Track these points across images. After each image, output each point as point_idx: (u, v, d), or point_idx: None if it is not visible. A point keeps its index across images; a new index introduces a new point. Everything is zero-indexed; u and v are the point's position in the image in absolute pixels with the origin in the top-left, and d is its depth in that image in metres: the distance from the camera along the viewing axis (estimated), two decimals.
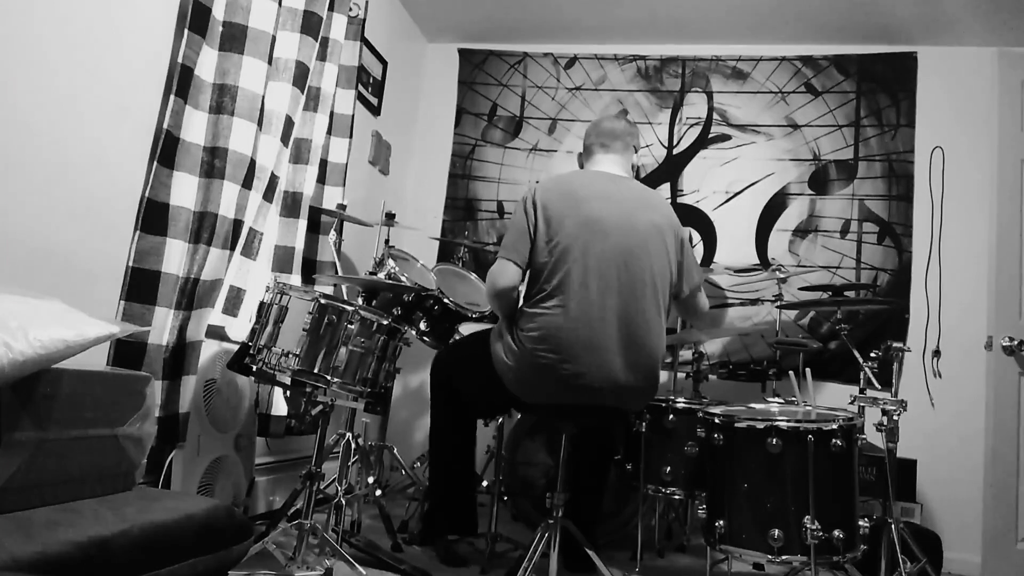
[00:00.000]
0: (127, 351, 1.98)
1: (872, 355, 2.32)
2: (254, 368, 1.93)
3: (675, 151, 3.74)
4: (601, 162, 2.30)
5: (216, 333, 2.30)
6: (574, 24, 3.76)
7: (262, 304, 1.97)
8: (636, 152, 2.36)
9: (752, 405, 2.37)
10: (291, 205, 2.69)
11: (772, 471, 2.01)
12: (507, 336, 2.10)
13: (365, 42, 3.26)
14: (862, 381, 2.32)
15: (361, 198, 3.40)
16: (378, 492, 2.61)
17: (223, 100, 2.23)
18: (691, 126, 3.74)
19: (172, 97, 2.07)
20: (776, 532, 1.95)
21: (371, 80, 3.52)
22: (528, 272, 2.11)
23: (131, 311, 1.98)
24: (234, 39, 2.25)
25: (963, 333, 3.23)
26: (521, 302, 2.15)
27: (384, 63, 3.62)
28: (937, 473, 3.12)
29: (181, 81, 2.09)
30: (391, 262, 2.61)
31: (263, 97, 2.33)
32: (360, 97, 3.33)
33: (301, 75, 2.51)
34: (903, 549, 2.11)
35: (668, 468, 2.45)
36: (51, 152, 1.80)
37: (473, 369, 2.23)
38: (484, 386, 2.18)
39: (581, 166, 2.40)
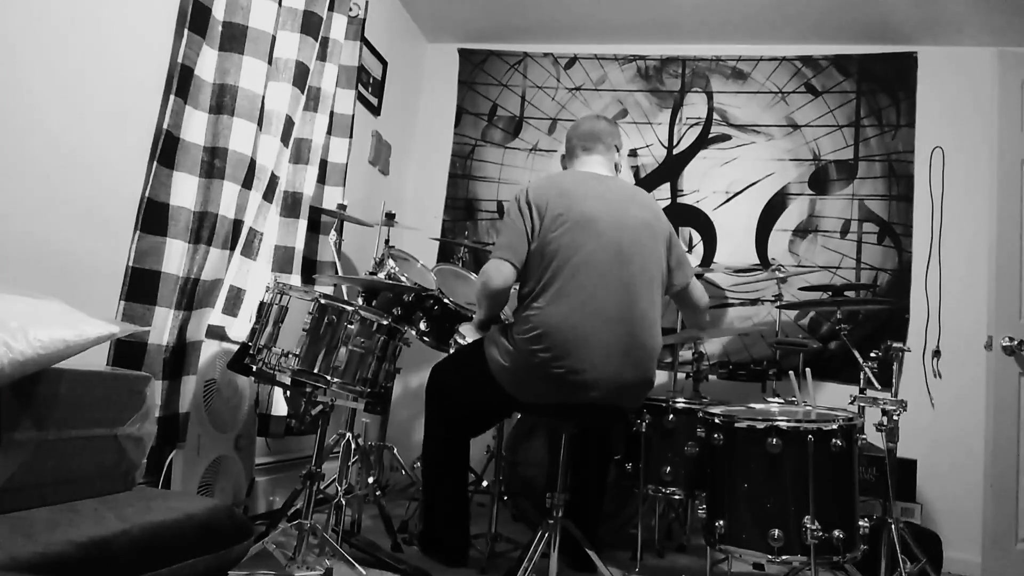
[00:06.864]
0: (127, 351, 1.98)
1: (872, 355, 2.32)
2: (254, 368, 1.93)
3: (675, 151, 3.74)
4: (584, 164, 2.30)
5: (216, 333, 2.30)
6: (574, 24, 3.76)
7: (262, 304, 1.97)
8: (618, 151, 2.35)
9: (752, 405, 2.37)
10: (291, 205, 2.69)
11: (772, 471, 2.02)
12: (502, 339, 2.11)
13: (365, 42, 3.26)
14: (862, 381, 2.33)
15: (361, 198, 3.40)
16: (378, 492, 2.60)
17: (223, 100, 2.23)
18: (691, 126, 3.74)
19: (172, 97, 2.07)
20: (776, 532, 1.95)
21: (371, 80, 3.52)
22: (521, 273, 2.10)
23: (131, 311, 1.98)
24: (234, 39, 2.25)
25: (963, 333, 3.23)
26: (515, 305, 2.14)
27: (384, 63, 3.62)
28: (937, 473, 3.12)
29: (181, 81, 2.09)
30: (391, 262, 2.61)
31: (263, 97, 2.33)
32: (360, 97, 3.33)
33: (301, 75, 2.51)
34: (903, 549, 2.11)
35: (668, 468, 2.46)
36: (51, 152, 1.80)
37: (469, 375, 2.23)
38: (481, 390, 2.17)
39: (564, 168, 2.39)
